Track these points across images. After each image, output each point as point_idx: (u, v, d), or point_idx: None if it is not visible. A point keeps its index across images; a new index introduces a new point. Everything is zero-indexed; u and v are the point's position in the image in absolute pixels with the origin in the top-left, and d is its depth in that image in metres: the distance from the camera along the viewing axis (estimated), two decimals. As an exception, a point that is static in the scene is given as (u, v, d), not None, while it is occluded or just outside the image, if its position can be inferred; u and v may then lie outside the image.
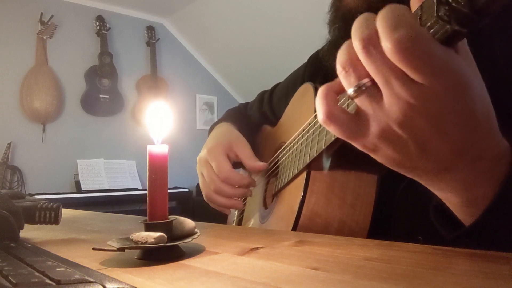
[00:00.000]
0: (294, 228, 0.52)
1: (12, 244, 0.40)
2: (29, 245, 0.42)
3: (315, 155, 0.51)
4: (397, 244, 0.37)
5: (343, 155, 0.51)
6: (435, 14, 0.28)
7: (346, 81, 0.33)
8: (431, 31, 0.29)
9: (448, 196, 0.37)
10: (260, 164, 0.72)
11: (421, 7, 0.30)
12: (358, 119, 0.34)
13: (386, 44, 0.29)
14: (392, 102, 0.31)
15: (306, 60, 0.87)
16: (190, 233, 0.40)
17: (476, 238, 0.36)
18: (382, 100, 0.32)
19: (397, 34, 0.28)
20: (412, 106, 0.30)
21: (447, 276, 0.26)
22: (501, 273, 0.26)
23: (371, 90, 0.32)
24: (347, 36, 0.32)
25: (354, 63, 0.32)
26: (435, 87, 0.29)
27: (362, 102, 0.33)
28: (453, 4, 0.27)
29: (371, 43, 0.30)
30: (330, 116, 0.34)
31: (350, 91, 0.33)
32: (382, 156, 0.35)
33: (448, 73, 0.29)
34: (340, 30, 0.58)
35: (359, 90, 0.32)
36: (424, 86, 0.29)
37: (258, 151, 0.87)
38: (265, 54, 3.72)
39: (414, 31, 0.28)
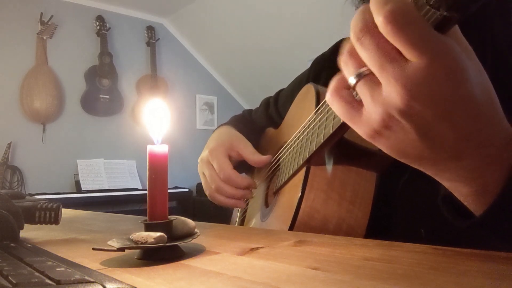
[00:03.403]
0: (293, 224, 0.52)
1: (12, 244, 0.40)
2: (29, 245, 0.42)
3: (314, 149, 0.51)
4: (398, 244, 0.37)
5: (343, 152, 0.52)
6: (425, 2, 0.29)
7: (347, 71, 0.34)
8: (425, 18, 0.29)
9: (457, 186, 0.37)
10: (264, 158, 0.73)
11: None
12: (360, 106, 0.34)
13: (378, 18, 0.29)
14: (389, 89, 0.31)
15: (305, 60, 0.87)
16: (190, 233, 0.40)
17: (490, 226, 0.36)
18: (381, 88, 0.32)
19: (388, 7, 0.29)
20: (410, 91, 0.30)
21: (447, 276, 0.26)
22: (501, 273, 0.26)
23: (369, 78, 0.33)
24: None
25: (353, 53, 0.33)
26: (433, 69, 0.29)
27: (361, 90, 0.33)
28: None
29: (363, 33, 0.31)
30: (335, 94, 0.35)
31: (350, 79, 0.34)
32: (384, 144, 0.35)
33: (446, 55, 0.29)
34: None
35: (358, 78, 0.33)
36: (420, 67, 0.29)
37: (261, 152, 0.87)
38: (265, 54, 3.72)
39: (404, 4, 0.29)
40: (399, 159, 0.36)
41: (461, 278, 0.26)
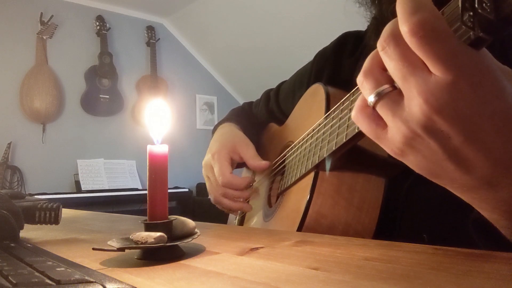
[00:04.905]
0: (300, 228, 0.52)
1: (12, 244, 0.40)
2: (29, 245, 0.42)
3: (324, 155, 0.51)
4: (398, 244, 0.37)
5: (352, 157, 0.51)
6: (459, 20, 0.27)
7: (365, 89, 0.33)
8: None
9: (494, 217, 0.34)
10: (263, 163, 0.74)
11: (442, 12, 0.29)
12: (384, 125, 0.33)
13: (403, 28, 0.28)
14: (411, 102, 0.29)
15: (306, 60, 0.87)
16: (190, 233, 0.40)
17: None
18: (402, 104, 0.30)
19: (416, 17, 0.27)
20: (432, 105, 0.28)
21: (447, 276, 0.26)
22: (501, 273, 0.26)
23: (389, 96, 0.31)
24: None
25: (373, 71, 0.32)
26: (459, 85, 0.27)
27: (382, 110, 0.32)
28: (479, 11, 0.26)
29: (388, 42, 0.30)
30: (361, 112, 0.34)
31: (370, 98, 0.32)
32: (412, 163, 0.33)
33: (475, 69, 0.27)
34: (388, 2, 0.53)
35: (378, 97, 0.32)
36: (445, 82, 0.27)
37: (263, 149, 0.87)
38: (265, 54, 3.72)
39: (434, 16, 0.27)
40: (432, 180, 0.34)
41: (462, 278, 0.26)
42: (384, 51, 0.30)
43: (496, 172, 0.30)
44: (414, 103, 0.29)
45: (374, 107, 0.32)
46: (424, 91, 0.28)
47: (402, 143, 0.31)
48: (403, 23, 0.28)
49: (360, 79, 0.33)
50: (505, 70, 0.30)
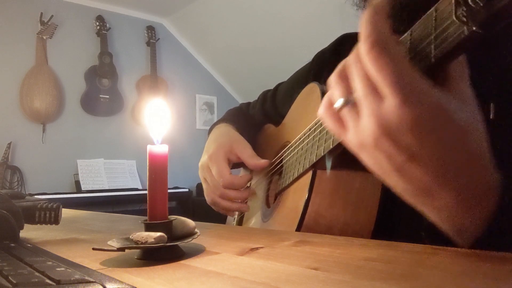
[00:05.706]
0: (298, 228, 0.52)
1: (12, 244, 0.40)
2: (29, 245, 0.42)
3: (322, 154, 0.51)
4: (397, 244, 0.37)
5: (349, 156, 0.51)
6: (453, 15, 0.28)
7: (336, 92, 0.36)
8: (447, 32, 0.29)
9: (436, 221, 0.37)
10: (262, 162, 0.73)
11: (435, 8, 0.30)
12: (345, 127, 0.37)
13: (361, 48, 0.31)
14: (365, 120, 0.33)
15: (306, 60, 0.87)
16: (190, 233, 0.40)
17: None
18: (360, 118, 0.34)
19: (370, 39, 0.30)
20: (380, 128, 0.31)
21: (447, 276, 0.26)
22: (501, 273, 0.26)
23: (354, 107, 0.34)
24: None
25: (345, 78, 0.35)
26: (403, 113, 0.30)
27: (345, 116, 0.35)
28: (472, 5, 0.26)
29: (355, 60, 0.33)
30: (327, 110, 0.38)
31: (338, 101, 0.36)
32: (365, 163, 0.37)
33: (419, 103, 0.30)
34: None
35: (345, 103, 0.35)
36: (393, 105, 0.30)
37: (260, 150, 0.87)
38: (265, 54, 3.72)
39: (386, 39, 0.30)
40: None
41: (460, 278, 0.26)
42: (350, 69, 0.34)
43: (434, 186, 0.33)
44: (367, 122, 0.33)
45: (339, 110, 0.36)
46: (376, 114, 0.31)
47: (357, 147, 0.36)
48: (362, 43, 0.31)
49: (333, 79, 0.37)
50: (463, 97, 0.32)
